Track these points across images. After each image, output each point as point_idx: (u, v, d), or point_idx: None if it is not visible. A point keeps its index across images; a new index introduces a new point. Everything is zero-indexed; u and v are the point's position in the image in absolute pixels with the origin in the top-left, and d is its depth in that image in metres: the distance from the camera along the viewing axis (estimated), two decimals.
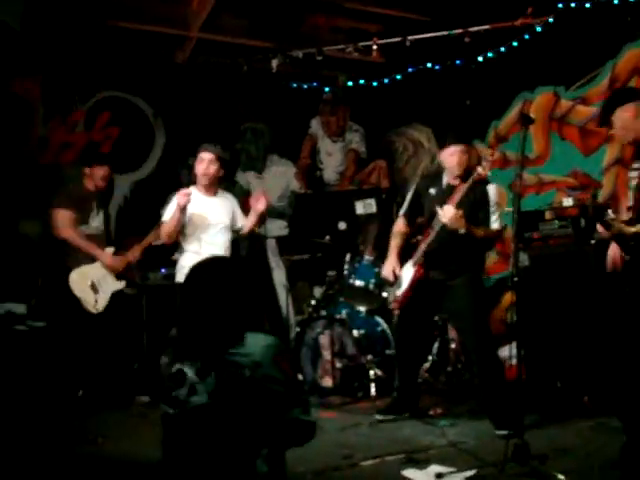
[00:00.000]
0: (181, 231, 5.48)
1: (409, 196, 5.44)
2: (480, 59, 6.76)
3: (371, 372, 5.96)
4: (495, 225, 4.95)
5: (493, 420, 4.70)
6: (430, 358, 5.96)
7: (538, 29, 6.22)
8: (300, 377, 6.13)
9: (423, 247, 5.03)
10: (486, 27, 6.43)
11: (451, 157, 5.02)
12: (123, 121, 7.34)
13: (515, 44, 6.45)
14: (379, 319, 6.25)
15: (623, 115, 3.97)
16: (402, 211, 5.47)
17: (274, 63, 7.02)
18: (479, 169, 4.83)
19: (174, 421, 2.80)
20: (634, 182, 4.15)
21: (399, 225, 5.36)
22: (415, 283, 5.05)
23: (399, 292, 5.16)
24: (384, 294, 6.25)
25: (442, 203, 4.89)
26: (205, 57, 7.40)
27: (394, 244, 5.30)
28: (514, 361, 4.59)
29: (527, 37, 6.35)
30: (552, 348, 5.18)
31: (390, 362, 6.00)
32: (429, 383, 5.95)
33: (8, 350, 4.97)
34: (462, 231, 4.79)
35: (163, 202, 7.56)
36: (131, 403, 5.84)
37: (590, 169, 6.25)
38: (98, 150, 6.78)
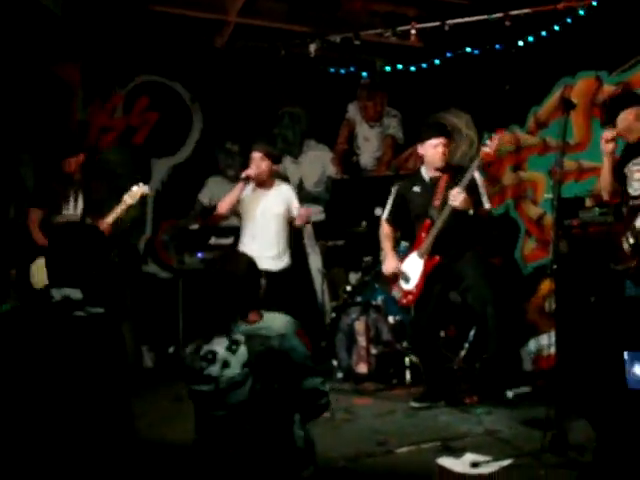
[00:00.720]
0: (240, 223, 5.83)
1: (390, 201, 5.64)
2: (520, 43, 6.65)
3: (406, 359, 5.95)
4: (487, 205, 5.26)
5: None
6: (466, 346, 5.91)
7: (581, 12, 6.10)
8: (334, 362, 6.16)
9: (430, 238, 5.18)
10: (527, 11, 6.32)
11: (435, 149, 5.29)
12: (161, 106, 7.39)
13: (557, 28, 6.33)
14: None
15: (627, 117, 4.43)
16: (384, 216, 5.66)
17: (312, 48, 6.98)
18: (485, 149, 5.08)
19: (210, 397, 2.99)
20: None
21: (386, 229, 5.60)
22: (430, 271, 5.19)
23: (409, 286, 5.28)
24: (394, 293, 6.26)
25: (431, 197, 5.22)
26: (243, 42, 7.39)
27: (387, 245, 5.56)
28: (552, 350, 4.55)
29: (569, 21, 6.23)
30: (590, 336, 5.11)
31: None
32: (465, 370, 5.91)
33: (69, 336, 5.01)
34: (471, 212, 5.09)
35: (200, 186, 7.65)
36: (166, 386, 5.88)
37: None
38: (72, 138, 6.59)
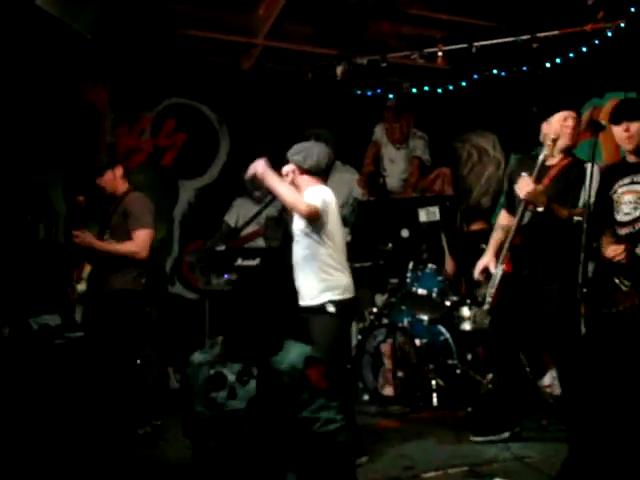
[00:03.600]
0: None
1: (505, 185, 5.02)
2: (548, 65, 6.63)
3: (433, 382, 5.89)
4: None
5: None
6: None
7: (609, 34, 6.07)
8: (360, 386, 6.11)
9: (506, 242, 4.58)
10: (555, 32, 6.29)
11: (564, 122, 4.57)
12: (189, 127, 7.45)
13: (584, 50, 6.31)
14: (442, 328, 6.17)
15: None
16: (501, 201, 5.09)
17: (339, 70, 7.00)
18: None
19: (208, 423, 2.81)
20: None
21: (501, 218, 4.92)
22: (504, 281, 4.55)
23: (492, 292, 4.63)
24: (447, 302, 6.20)
25: None
26: (270, 64, 7.44)
27: (493, 239, 4.86)
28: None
29: (597, 42, 6.20)
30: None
31: (452, 372, 5.93)
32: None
33: (51, 364, 5.01)
34: (540, 209, 4.33)
35: (227, 208, 7.68)
36: None
37: None
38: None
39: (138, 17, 6.43)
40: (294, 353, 2.84)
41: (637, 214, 4.21)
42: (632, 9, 5.87)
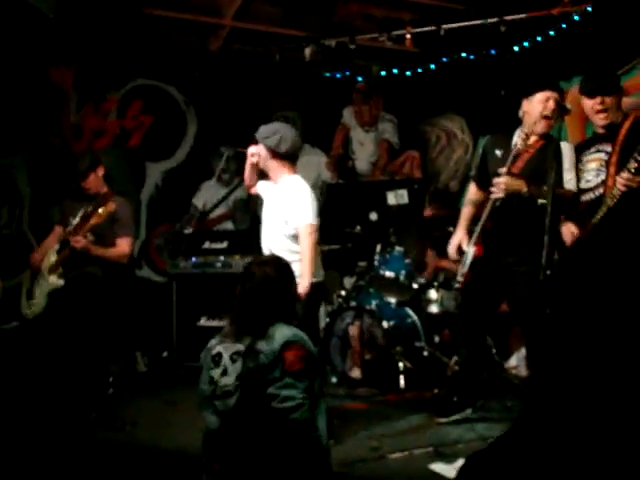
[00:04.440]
0: None
1: (477, 157, 5.04)
2: (516, 48, 6.65)
3: (400, 364, 5.91)
4: (570, 185, 4.33)
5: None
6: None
7: (576, 18, 6.09)
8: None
9: (481, 222, 4.55)
10: (522, 16, 6.30)
11: (546, 103, 4.46)
12: (155, 109, 7.37)
13: (552, 33, 6.33)
14: (409, 311, 6.19)
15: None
16: (471, 174, 5.06)
17: (307, 52, 6.96)
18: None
19: (207, 399, 3.14)
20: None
21: (471, 192, 4.91)
22: (476, 261, 4.58)
23: (462, 270, 4.66)
24: (414, 285, 6.23)
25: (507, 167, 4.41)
26: (238, 45, 7.38)
27: (464, 214, 4.84)
28: None
29: (564, 26, 6.23)
30: None
31: (419, 354, 5.96)
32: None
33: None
34: (524, 191, 4.28)
35: (195, 190, 7.63)
36: (161, 391, 5.85)
37: None
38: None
39: None
40: (276, 336, 3.10)
41: (598, 180, 4.28)
42: None
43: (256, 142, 4.54)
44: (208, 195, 7.54)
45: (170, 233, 7.19)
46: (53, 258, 5.36)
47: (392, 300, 6.20)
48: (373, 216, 7.24)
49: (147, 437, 4.71)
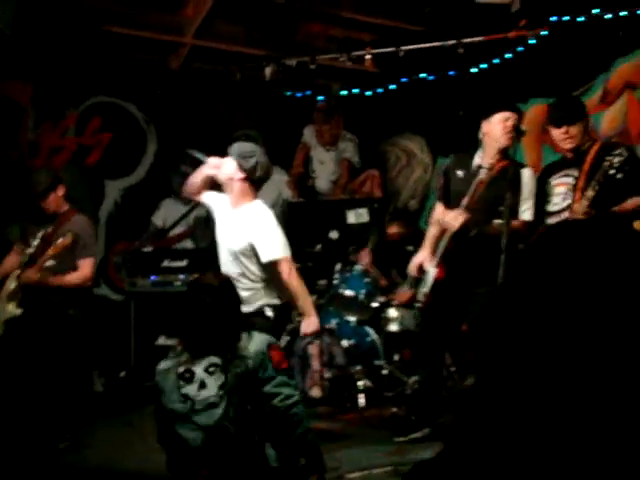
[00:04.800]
0: None
1: (440, 179, 5.02)
2: (474, 70, 6.76)
3: (360, 383, 5.92)
4: (525, 216, 4.42)
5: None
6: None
7: (532, 42, 6.21)
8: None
9: (443, 243, 4.63)
10: (480, 39, 6.42)
11: (504, 124, 4.53)
12: (115, 127, 7.32)
13: (508, 56, 6.45)
14: (369, 329, 6.21)
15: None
16: (437, 195, 5.05)
17: (268, 71, 6.99)
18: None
19: (182, 417, 3.11)
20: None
21: (437, 212, 4.92)
22: (438, 283, 4.64)
23: (424, 290, 4.71)
24: (374, 304, 6.24)
25: (468, 188, 4.52)
26: (199, 64, 7.38)
27: (430, 233, 4.87)
28: None
29: (521, 49, 6.35)
30: None
31: (379, 373, 5.97)
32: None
33: None
34: (472, 232, 4.43)
35: (154, 208, 7.57)
36: (118, 412, 5.78)
37: None
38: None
39: (63, 13, 6.30)
40: (257, 340, 3.23)
41: (564, 204, 4.35)
42: (553, 18, 6.02)
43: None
44: (168, 213, 7.50)
45: (129, 251, 7.12)
46: (13, 284, 5.10)
47: (352, 319, 6.21)
48: (333, 235, 7.25)
49: (103, 458, 4.64)
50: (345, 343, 5.97)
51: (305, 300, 4.37)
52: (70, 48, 6.62)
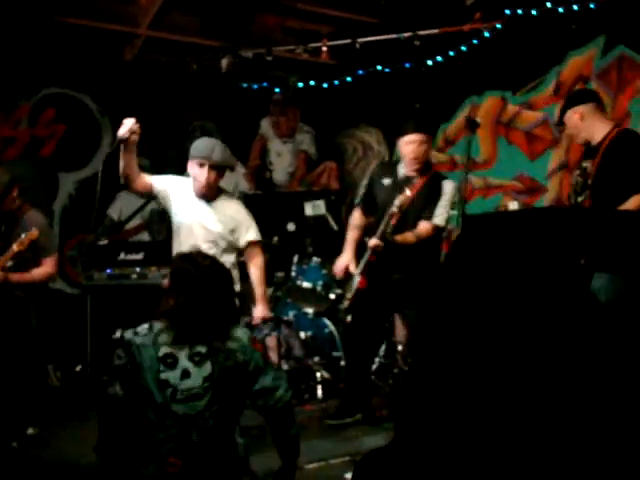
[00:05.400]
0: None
1: (363, 185, 5.31)
2: (429, 63, 6.80)
3: (318, 374, 5.95)
4: (436, 220, 4.74)
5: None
6: (377, 360, 5.96)
7: (486, 34, 6.28)
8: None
9: (366, 255, 4.89)
10: (435, 31, 6.46)
11: (406, 146, 4.84)
12: (69, 118, 7.22)
13: (464, 49, 6.50)
14: (326, 321, 6.25)
15: (573, 117, 4.25)
16: (357, 201, 5.28)
17: (224, 63, 6.95)
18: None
19: (156, 405, 2.94)
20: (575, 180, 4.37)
21: (355, 217, 5.15)
22: (358, 293, 4.95)
23: (348, 295, 5.05)
24: (331, 296, 6.27)
25: (394, 195, 4.72)
26: (154, 55, 7.31)
27: (350, 237, 5.07)
28: None
29: (476, 42, 6.41)
30: None
31: (337, 364, 6.01)
32: (376, 385, 5.96)
33: None
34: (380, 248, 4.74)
35: (109, 201, 7.49)
36: (74, 406, 5.71)
37: (536, 173, 6.34)
38: None
39: (15, 3, 6.20)
40: (240, 333, 3.10)
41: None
42: (507, 11, 6.09)
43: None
44: (124, 205, 7.41)
45: (84, 244, 7.03)
46: None
47: (309, 310, 6.24)
48: (291, 227, 7.26)
49: (59, 454, 4.60)
50: (303, 335, 6.00)
51: (265, 285, 4.67)
52: (23, 38, 6.51)
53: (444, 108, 7.01)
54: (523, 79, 6.38)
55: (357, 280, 4.96)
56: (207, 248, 4.37)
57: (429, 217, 4.74)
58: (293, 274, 6.34)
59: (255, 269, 4.68)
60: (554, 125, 5.67)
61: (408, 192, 4.66)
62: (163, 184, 4.70)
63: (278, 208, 7.50)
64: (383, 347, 6.03)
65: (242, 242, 4.64)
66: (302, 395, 5.91)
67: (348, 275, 5.03)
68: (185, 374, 2.95)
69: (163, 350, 2.97)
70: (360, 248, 5.08)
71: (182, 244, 4.51)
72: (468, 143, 4.23)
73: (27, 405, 5.01)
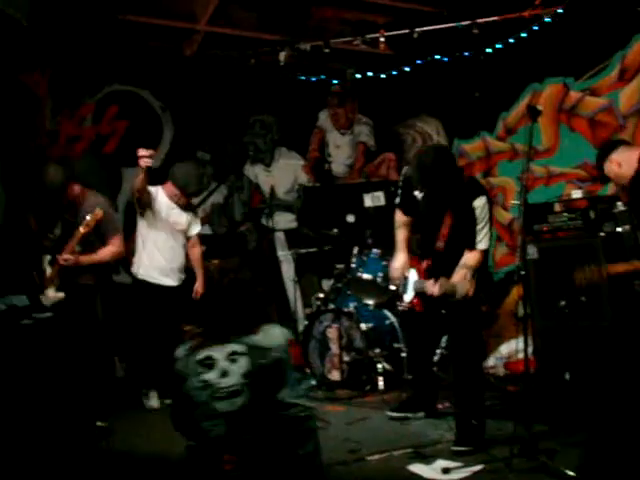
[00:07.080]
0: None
1: (399, 186, 5.21)
2: (489, 50, 6.71)
3: (379, 365, 5.96)
4: (481, 245, 4.55)
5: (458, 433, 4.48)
6: (439, 352, 5.91)
7: (547, 20, 6.16)
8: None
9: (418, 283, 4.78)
10: (494, 18, 6.37)
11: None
12: (131, 114, 7.34)
13: (524, 35, 6.39)
14: (387, 312, 6.24)
15: (611, 167, 4.44)
16: (396, 202, 5.17)
17: (282, 56, 6.98)
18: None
19: (200, 404, 3.06)
20: None
21: (398, 216, 5.08)
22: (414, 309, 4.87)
23: (407, 297, 4.89)
24: (392, 287, 6.24)
25: (433, 219, 4.65)
26: (213, 50, 7.38)
27: (400, 237, 5.03)
28: (521, 355, 4.55)
29: (536, 28, 6.29)
30: (561, 341, 5.12)
31: (398, 356, 5.99)
32: (438, 377, 5.92)
33: (17, 345, 4.95)
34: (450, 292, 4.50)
35: None
36: (138, 397, 5.82)
37: None
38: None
39: (78, 2, 6.32)
40: (277, 332, 3.20)
41: None
42: None
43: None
44: None
45: None
46: (48, 270, 5.24)
47: (370, 302, 6.23)
48: (350, 218, 7.27)
49: (126, 443, 4.70)
50: (364, 326, 6.00)
51: (202, 268, 6.00)
52: (85, 37, 6.64)
53: (504, 96, 6.91)
54: (585, 65, 6.24)
55: (413, 278, 4.85)
56: (172, 239, 5.87)
57: (472, 245, 4.55)
58: (353, 266, 6.34)
59: (193, 257, 6.06)
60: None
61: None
62: (153, 193, 5.86)
63: (337, 200, 7.53)
64: (445, 338, 5.97)
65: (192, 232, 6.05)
66: (363, 386, 5.93)
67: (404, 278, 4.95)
68: (223, 373, 3.07)
69: (201, 354, 3.12)
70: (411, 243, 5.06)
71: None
72: (530, 131, 4.15)
73: (97, 398, 5.12)
